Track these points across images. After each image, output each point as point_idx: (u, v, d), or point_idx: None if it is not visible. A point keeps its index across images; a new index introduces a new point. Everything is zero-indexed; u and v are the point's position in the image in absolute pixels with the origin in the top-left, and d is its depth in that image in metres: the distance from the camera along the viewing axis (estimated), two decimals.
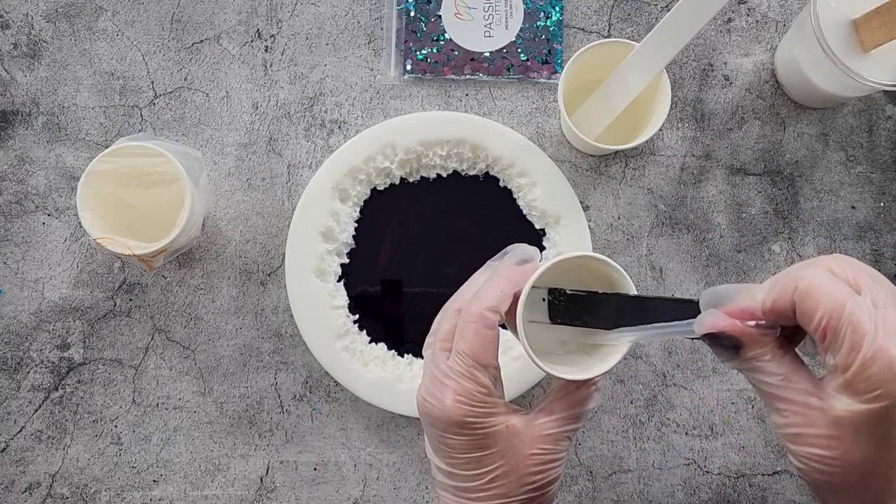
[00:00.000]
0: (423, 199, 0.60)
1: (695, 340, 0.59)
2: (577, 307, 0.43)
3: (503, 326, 0.43)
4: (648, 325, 0.39)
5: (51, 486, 0.58)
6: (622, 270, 0.41)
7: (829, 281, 0.32)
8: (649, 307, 0.40)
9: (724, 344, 0.35)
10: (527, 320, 0.41)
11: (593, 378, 0.42)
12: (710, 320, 0.35)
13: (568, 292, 0.43)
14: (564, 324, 0.43)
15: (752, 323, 0.34)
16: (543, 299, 0.43)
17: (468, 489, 0.42)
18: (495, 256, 0.45)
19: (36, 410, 0.58)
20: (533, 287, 0.41)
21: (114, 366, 0.59)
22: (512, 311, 0.41)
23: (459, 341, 0.41)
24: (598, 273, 0.43)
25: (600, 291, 0.42)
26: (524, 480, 0.41)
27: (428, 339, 0.44)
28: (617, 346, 0.42)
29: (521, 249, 0.44)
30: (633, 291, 0.41)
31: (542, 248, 0.59)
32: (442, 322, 0.43)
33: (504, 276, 0.42)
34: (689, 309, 0.37)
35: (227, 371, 0.59)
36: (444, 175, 0.60)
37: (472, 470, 0.41)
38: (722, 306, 0.35)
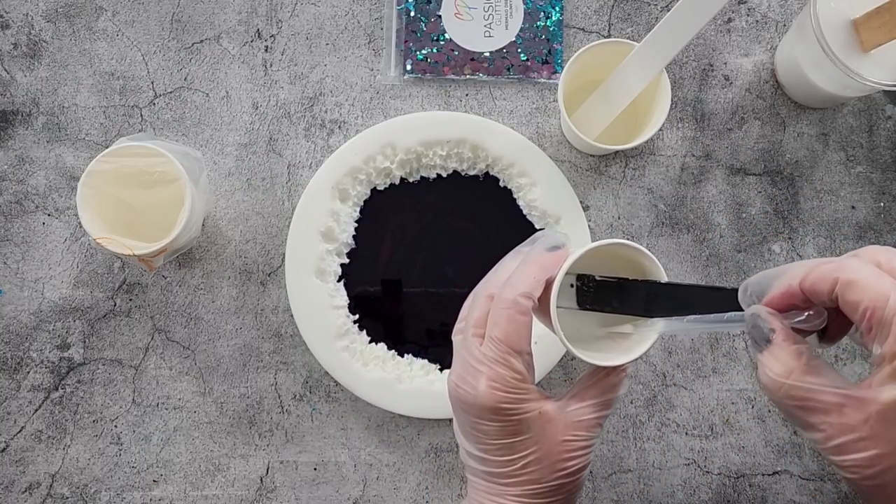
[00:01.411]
0: (423, 199, 0.60)
1: (694, 340, 0.59)
2: (606, 294, 0.43)
3: None
4: (686, 318, 0.39)
5: (51, 486, 0.58)
6: (654, 258, 0.41)
7: (872, 273, 0.32)
8: (681, 294, 0.40)
9: (761, 334, 0.35)
10: (556, 306, 0.41)
11: (623, 364, 0.42)
12: (759, 316, 0.35)
13: (598, 279, 0.43)
14: (594, 310, 0.43)
15: (803, 316, 0.34)
16: (572, 285, 0.43)
17: (500, 475, 0.42)
18: (524, 242, 0.44)
19: (36, 410, 0.58)
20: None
21: (114, 366, 0.59)
22: (542, 297, 0.41)
23: (493, 327, 0.41)
24: (628, 260, 0.43)
25: (630, 278, 0.42)
26: (556, 466, 0.41)
27: (458, 325, 0.44)
28: (648, 333, 0.42)
29: (552, 236, 0.43)
30: (665, 279, 0.41)
31: None
32: (473, 308, 0.43)
33: (536, 263, 0.41)
34: (721, 297, 0.37)
35: (227, 371, 0.59)
36: (444, 175, 0.60)
37: (505, 456, 0.41)
38: (763, 296, 0.35)
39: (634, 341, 0.42)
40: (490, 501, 0.42)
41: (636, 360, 0.41)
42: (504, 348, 0.40)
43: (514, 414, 0.40)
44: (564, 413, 0.42)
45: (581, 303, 0.43)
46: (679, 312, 0.39)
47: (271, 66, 0.61)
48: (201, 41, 0.61)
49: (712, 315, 0.37)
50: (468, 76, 0.60)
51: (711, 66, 0.61)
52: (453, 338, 0.44)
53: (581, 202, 0.59)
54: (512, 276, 0.41)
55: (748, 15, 0.61)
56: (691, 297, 0.39)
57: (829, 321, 0.35)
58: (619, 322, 0.44)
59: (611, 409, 0.43)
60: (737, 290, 0.37)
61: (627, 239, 0.59)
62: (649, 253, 0.41)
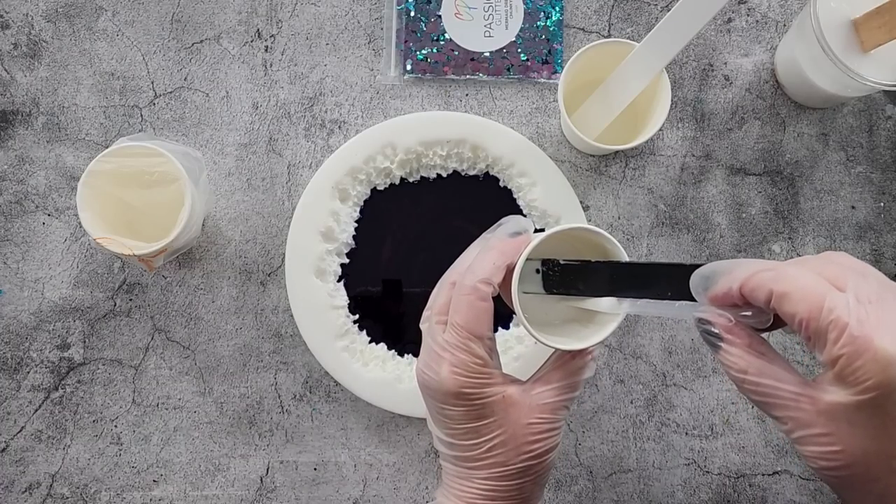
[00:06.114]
0: (423, 199, 0.60)
1: (694, 339, 0.59)
2: (571, 277, 0.43)
3: (498, 297, 0.43)
4: (645, 300, 0.40)
5: (51, 486, 0.58)
6: (614, 240, 0.41)
7: (808, 282, 0.32)
8: (643, 273, 0.41)
9: (711, 334, 0.36)
10: (521, 292, 0.41)
11: (588, 348, 0.42)
12: (704, 315, 0.36)
13: (562, 262, 0.43)
14: (560, 294, 0.43)
15: (749, 312, 0.35)
16: (537, 270, 0.43)
17: (467, 458, 0.42)
18: (490, 228, 0.45)
19: (36, 410, 0.58)
20: (527, 259, 0.41)
21: (114, 366, 0.59)
22: (506, 282, 0.42)
23: (454, 314, 0.41)
24: (591, 244, 0.43)
25: (593, 260, 0.42)
26: (522, 449, 0.41)
27: (425, 313, 0.44)
28: (612, 315, 0.42)
29: (515, 221, 0.44)
30: (626, 259, 0.42)
31: None
32: (438, 295, 0.43)
33: (497, 249, 0.42)
34: (681, 272, 0.38)
35: (227, 371, 0.59)
36: (444, 175, 0.60)
37: (471, 440, 0.42)
38: (707, 290, 0.36)
39: (600, 325, 0.43)
40: (458, 485, 0.43)
41: (598, 343, 0.42)
42: (465, 334, 0.41)
43: (477, 398, 0.41)
44: (529, 396, 0.42)
45: (547, 287, 0.44)
46: (643, 290, 0.40)
47: (271, 66, 0.61)
48: (201, 41, 0.61)
49: (665, 302, 0.38)
50: (468, 76, 0.60)
51: (711, 66, 0.61)
52: (421, 325, 0.44)
53: (581, 202, 0.59)
54: (473, 263, 0.42)
55: (748, 15, 0.61)
56: (653, 274, 0.40)
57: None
58: (584, 307, 0.44)
59: (577, 391, 0.43)
60: (695, 265, 0.37)
61: (627, 238, 0.60)
62: (610, 236, 0.42)
